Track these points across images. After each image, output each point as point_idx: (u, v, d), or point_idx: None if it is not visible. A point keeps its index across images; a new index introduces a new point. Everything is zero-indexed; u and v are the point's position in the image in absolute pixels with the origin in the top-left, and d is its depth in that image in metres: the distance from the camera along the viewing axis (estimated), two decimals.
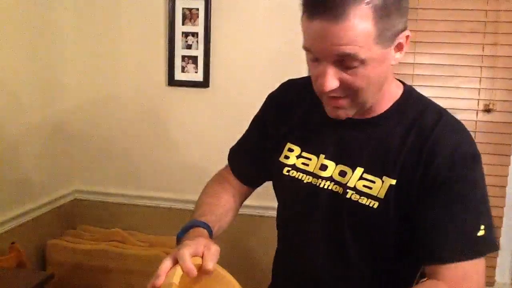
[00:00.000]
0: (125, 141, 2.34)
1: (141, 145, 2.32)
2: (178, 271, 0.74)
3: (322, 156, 0.95)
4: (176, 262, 0.76)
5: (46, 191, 2.22)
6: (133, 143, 2.33)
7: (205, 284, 0.80)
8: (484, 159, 0.87)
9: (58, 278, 2.13)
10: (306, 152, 0.98)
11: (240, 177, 1.12)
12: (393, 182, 0.86)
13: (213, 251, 0.79)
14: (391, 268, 0.94)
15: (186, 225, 0.93)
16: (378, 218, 0.87)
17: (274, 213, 1.09)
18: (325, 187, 0.93)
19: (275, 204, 1.08)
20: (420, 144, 0.86)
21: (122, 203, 2.37)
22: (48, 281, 1.32)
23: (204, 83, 2.19)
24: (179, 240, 0.90)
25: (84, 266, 2.11)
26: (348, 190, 0.90)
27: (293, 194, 1.00)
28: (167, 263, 0.77)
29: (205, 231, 0.91)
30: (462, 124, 0.90)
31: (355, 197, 0.89)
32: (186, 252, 0.76)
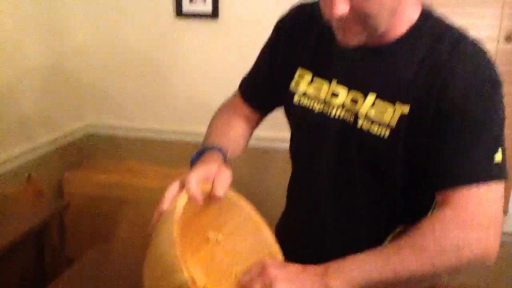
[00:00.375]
0: (134, 75, 2.32)
1: (151, 79, 2.30)
2: (183, 196, 0.72)
3: (334, 81, 0.91)
4: (183, 187, 0.75)
5: (59, 126, 2.25)
6: (142, 77, 2.31)
7: (217, 211, 0.80)
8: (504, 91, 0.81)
9: (75, 209, 2.20)
10: (317, 76, 0.94)
11: (251, 102, 1.08)
12: (406, 110, 0.83)
13: (224, 176, 0.77)
14: (398, 203, 0.92)
15: (200, 149, 0.91)
16: (388, 147, 0.85)
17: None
18: (336, 115, 0.90)
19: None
20: (434, 73, 0.82)
21: (135, 137, 2.40)
22: (65, 210, 1.35)
23: (213, 14, 2.12)
24: (193, 165, 0.88)
25: (99, 197, 2.17)
26: (359, 118, 0.87)
27: (303, 124, 0.97)
28: (173, 188, 0.76)
29: (219, 155, 0.89)
30: (482, 49, 0.84)
31: (366, 125, 0.86)
32: (194, 176, 0.74)
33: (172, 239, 0.63)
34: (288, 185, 1.12)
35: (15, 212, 1.38)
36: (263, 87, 1.07)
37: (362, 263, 0.72)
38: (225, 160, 0.89)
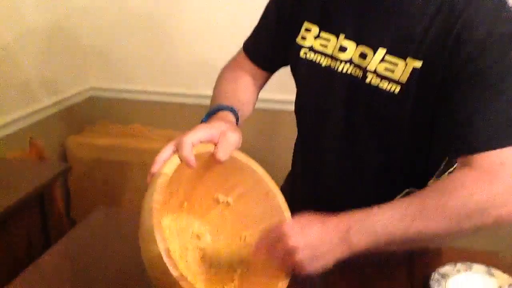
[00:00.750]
0: (138, 36, 2.26)
1: (155, 40, 2.24)
2: (171, 161, 0.66)
3: (342, 35, 0.87)
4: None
5: (61, 88, 2.20)
6: (146, 38, 2.24)
7: (227, 173, 0.76)
8: None
9: (79, 173, 2.19)
10: (324, 31, 0.89)
11: (257, 60, 1.04)
12: (418, 65, 0.78)
13: (229, 140, 0.72)
14: (406, 163, 0.89)
15: (211, 109, 0.85)
16: (398, 104, 0.80)
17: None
18: (344, 71, 0.86)
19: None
20: (449, 27, 0.76)
21: (139, 100, 2.36)
22: (67, 173, 1.34)
23: None
24: None
25: (104, 161, 2.14)
26: (368, 74, 0.82)
27: (310, 79, 0.93)
28: (167, 150, 0.70)
29: (230, 115, 0.84)
30: (502, 0, 0.77)
31: (375, 81, 0.81)
32: (189, 138, 0.69)
33: (150, 208, 0.60)
34: (295, 146, 1.08)
35: (17, 175, 1.37)
36: (269, 44, 1.02)
37: (386, 221, 0.68)
38: (237, 122, 0.85)
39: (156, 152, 2.11)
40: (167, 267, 0.55)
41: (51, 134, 2.14)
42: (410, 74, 0.78)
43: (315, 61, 0.89)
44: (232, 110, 0.85)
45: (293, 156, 1.09)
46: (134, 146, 2.12)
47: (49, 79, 2.11)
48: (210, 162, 0.72)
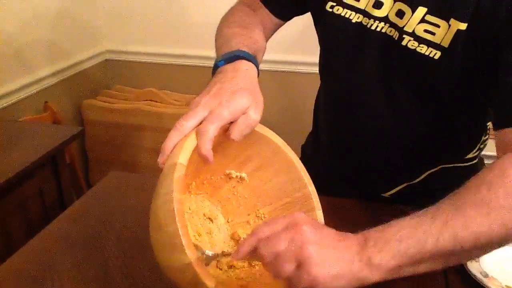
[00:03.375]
0: None
1: (170, 1, 2.17)
2: (188, 145, 0.56)
3: None
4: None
5: (76, 51, 2.16)
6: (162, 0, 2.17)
7: (241, 144, 0.64)
8: None
9: (95, 137, 2.17)
10: None
11: (273, 7, 0.92)
12: (463, 26, 0.69)
13: (249, 121, 0.60)
14: (441, 134, 0.82)
15: (229, 54, 0.71)
16: (438, 71, 0.73)
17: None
18: (378, 29, 0.77)
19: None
20: None
21: (156, 63, 2.30)
22: (80, 136, 1.31)
23: None
24: (216, 70, 0.69)
25: (120, 124, 2.11)
26: (404, 36, 0.74)
27: (337, 36, 0.83)
28: (177, 135, 0.57)
29: (252, 67, 0.69)
30: None
31: (413, 44, 0.73)
32: (212, 129, 0.56)
33: (171, 209, 0.50)
34: (316, 106, 1.01)
35: (30, 137, 1.35)
36: None
37: (412, 229, 0.53)
38: (258, 74, 0.72)
39: (171, 116, 2.08)
40: (200, 279, 0.49)
41: (66, 98, 2.12)
42: (454, 37, 0.70)
43: (345, 16, 0.80)
44: (255, 61, 0.72)
45: (315, 116, 1.02)
46: (150, 109, 2.08)
47: (63, 41, 2.07)
48: (220, 136, 0.61)
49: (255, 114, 0.61)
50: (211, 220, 0.70)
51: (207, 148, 0.56)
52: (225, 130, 0.60)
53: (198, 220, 0.68)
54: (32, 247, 0.78)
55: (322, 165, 0.96)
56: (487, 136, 0.89)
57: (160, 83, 2.29)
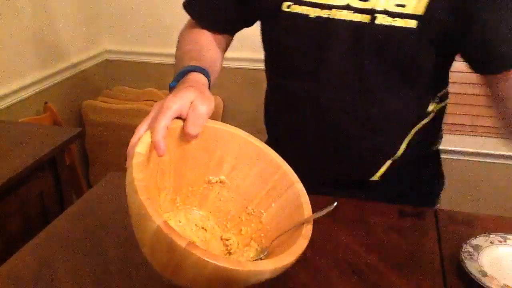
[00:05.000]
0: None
1: (171, 1, 2.16)
2: (145, 138, 0.60)
3: None
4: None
5: (76, 52, 2.16)
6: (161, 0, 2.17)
7: (203, 147, 0.68)
8: None
9: (95, 137, 2.17)
10: None
11: (210, 26, 0.93)
12: None
13: (198, 111, 0.64)
14: (416, 96, 0.84)
15: (179, 72, 0.75)
16: (417, 39, 0.74)
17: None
18: (343, 18, 0.76)
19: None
20: None
21: (155, 62, 2.30)
22: (80, 137, 1.31)
23: None
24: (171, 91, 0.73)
25: (120, 125, 2.12)
26: (376, 15, 0.74)
27: (296, 35, 0.82)
28: (140, 132, 0.63)
29: (200, 76, 0.74)
30: None
31: (387, 20, 0.74)
32: (163, 120, 0.61)
33: (134, 187, 0.52)
34: (269, 110, 0.99)
35: (30, 139, 1.35)
36: (227, 7, 0.90)
37: None
38: (209, 84, 0.76)
39: None
40: (171, 239, 0.48)
41: (66, 99, 2.12)
42: (429, 2, 0.72)
43: (303, 14, 0.78)
44: (203, 70, 0.75)
45: (268, 123, 1.00)
46: (150, 110, 2.08)
47: (63, 42, 2.07)
48: (187, 140, 0.65)
49: (201, 105, 0.65)
50: (205, 230, 0.70)
51: (157, 137, 0.59)
52: (186, 137, 0.64)
53: (191, 231, 0.69)
54: (30, 248, 0.78)
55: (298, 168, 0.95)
56: (445, 89, 0.90)
57: (160, 83, 2.28)
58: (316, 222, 0.60)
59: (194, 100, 0.65)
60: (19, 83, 1.82)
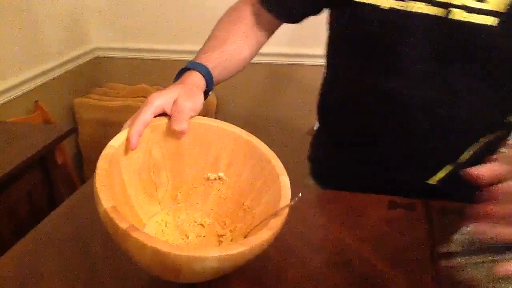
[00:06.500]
0: None
1: None
2: (122, 133, 0.62)
3: None
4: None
5: (65, 49, 2.14)
6: None
7: (198, 144, 0.70)
8: None
9: (88, 135, 2.16)
10: None
11: (279, 11, 0.86)
12: None
13: (181, 109, 0.64)
14: (498, 101, 0.77)
15: (180, 70, 0.76)
16: (498, 38, 0.68)
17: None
18: (419, 11, 0.71)
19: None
20: None
21: (147, 58, 2.29)
22: (69, 135, 1.30)
23: None
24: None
25: (113, 122, 2.10)
26: (452, 9, 0.69)
27: (370, 27, 0.76)
28: (125, 127, 0.64)
29: (198, 76, 0.74)
30: None
31: (463, 16, 0.68)
32: (142, 115, 0.62)
33: (94, 175, 0.56)
34: (325, 102, 0.94)
35: (21, 137, 1.34)
36: None
37: None
38: (210, 82, 0.75)
39: None
40: (114, 221, 0.50)
41: (58, 97, 2.10)
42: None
43: (374, 4, 0.73)
44: (204, 69, 0.75)
45: (323, 115, 0.95)
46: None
47: (52, 40, 2.05)
48: (177, 137, 0.67)
49: (184, 101, 0.65)
50: (203, 226, 0.71)
51: (131, 131, 0.61)
52: (174, 133, 0.66)
53: (188, 227, 0.70)
54: (18, 250, 0.77)
55: (347, 165, 0.91)
56: None
57: (152, 79, 2.27)
58: (306, 215, 0.59)
59: (178, 97, 0.65)
60: (8, 83, 1.80)
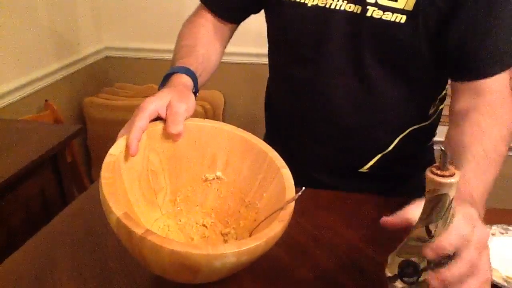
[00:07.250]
0: None
1: None
2: (120, 141, 0.63)
3: None
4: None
5: (76, 49, 2.16)
6: None
7: (193, 146, 0.70)
8: None
9: (97, 134, 2.17)
10: None
11: (220, 11, 0.93)
12: None
13: (176, 110, 0.65)
14: (414, 93, 0.84)
15: (165, 75, 0.78)
16: (406, 34, 0.75)
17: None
18: (338, 7, 0.78)
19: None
20: None
21: (156, 59, 2.30)
22: (79, 134, 1.32)
23: None
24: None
25: (122, 121, 2.08)
26: (368, 7, 0.75)
27: (296, 23, 0.83)
28: (121, 134, 0.65)
29: (185, 78, 0.77)
30: None
31: (378, 13, 0.75)
32: (138, 121, 0.63)
33: (100, 185, 0.56)
34: (269, 99, 1.01)
35: (31, 136, 1.35)
36: None
37: (483, 185, 0.64)
38: (196, 83, 0.78)
39: None
40: (129, 228, 0.50)
41: (67, 96, 2.12)
42: (417, 0, 0.72)
43: (300, 2, 0.80)
44: (188, 71, 0.78)
45: (268, 111, 1.01)
46: None
47: (63, 40, 2.07)
48: (174, 140, 0.68)
49: (178, 103, 0.66)
50: (206, 227, 0.71)
51: (130, 138, 0.62)
52: (171, 137, 0.66)
53: (191, 229, 0.71)
54: (31, 246, 0.78)
55: (291, 156, 0.96)
56: (445, 90, 0.91)
57: (160, 79, 2.27)
58: (313, 216, 0.60)
59: (171, 100, 0.66)
60: (19, 82, 1.82)
